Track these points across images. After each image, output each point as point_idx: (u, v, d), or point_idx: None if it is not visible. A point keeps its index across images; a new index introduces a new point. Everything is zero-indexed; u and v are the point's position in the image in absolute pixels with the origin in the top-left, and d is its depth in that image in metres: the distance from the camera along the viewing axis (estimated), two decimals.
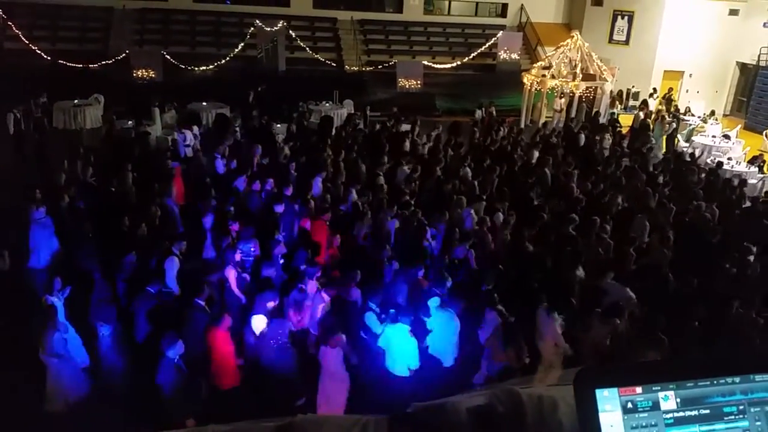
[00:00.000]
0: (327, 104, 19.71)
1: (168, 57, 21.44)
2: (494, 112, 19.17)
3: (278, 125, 16.54)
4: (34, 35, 21.72)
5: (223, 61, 22.25)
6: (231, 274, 7.82)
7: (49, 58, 20.97)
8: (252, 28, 22.82)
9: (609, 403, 1.18)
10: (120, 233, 8.66)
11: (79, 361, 6.84)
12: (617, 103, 22.55)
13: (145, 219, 9.09)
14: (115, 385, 6.75)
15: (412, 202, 10.54)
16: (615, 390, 1.19)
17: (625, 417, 1.18)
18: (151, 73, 21.03)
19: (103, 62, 21.21)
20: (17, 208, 9.73)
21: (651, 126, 18.75)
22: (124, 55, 21.29)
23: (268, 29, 22.61)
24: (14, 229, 9.40)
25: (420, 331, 7.13)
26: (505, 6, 27.63)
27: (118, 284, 7.78)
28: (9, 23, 21.42)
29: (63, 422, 6.32)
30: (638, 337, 6.82)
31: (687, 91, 25.28)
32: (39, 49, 21.17)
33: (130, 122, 15.97)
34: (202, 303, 6.96)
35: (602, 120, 19.28)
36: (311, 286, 7.58)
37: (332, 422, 1.41)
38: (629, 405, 1.19)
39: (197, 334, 6.55)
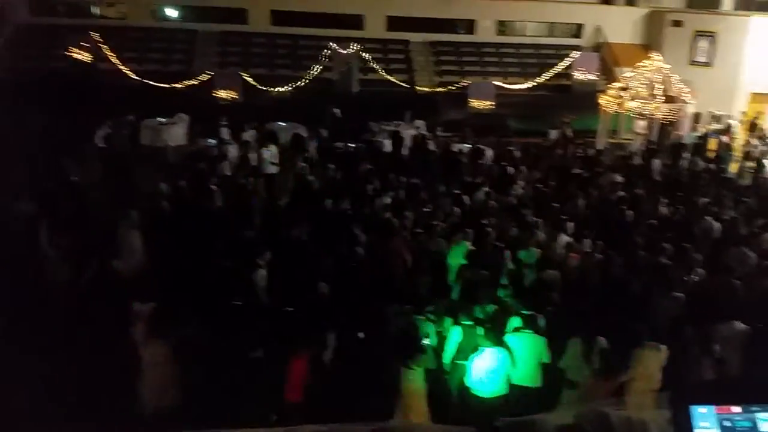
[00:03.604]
0: (399, 124, 19.83)
1: (247, 78, 22.20)
2: (571, 133, 18.79)
3: (351, 146, 16.77)
4: (124, 56, 22.97)
5: (301, 82, 22.84)
6: None
7: (137, 78, 22.12)
8: (328, 51, 23.38)
9: (706, 421, 1.09)
10: (209, 246, 8.95)
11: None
12: (698, 126, 21.71)
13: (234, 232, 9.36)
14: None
15: (488, 223, 10.42)
16: (712, 407, 1.10)
17: None
18: (232, 94, 21.83)
19: (187, 82, 22.19)
20: (110, 218, 10.23)
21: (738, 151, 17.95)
22: (206, 76, 22.21)
23: (343, 51, 23.11)
24: (108, 235, 9.84)
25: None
26: (580, 26, 27.22)
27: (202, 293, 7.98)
28: (101, 45, 22.74)
29: (152, 424, 6.47)
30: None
31: None
32: (128, 70, 22.37)
33: (211, 141, 16.57)
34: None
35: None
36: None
37: (422, 430, 1.43)
38: (727, 424, 1.10)
39: None
